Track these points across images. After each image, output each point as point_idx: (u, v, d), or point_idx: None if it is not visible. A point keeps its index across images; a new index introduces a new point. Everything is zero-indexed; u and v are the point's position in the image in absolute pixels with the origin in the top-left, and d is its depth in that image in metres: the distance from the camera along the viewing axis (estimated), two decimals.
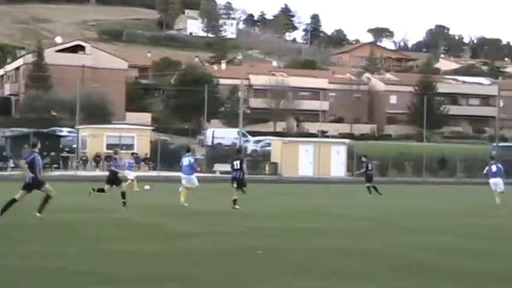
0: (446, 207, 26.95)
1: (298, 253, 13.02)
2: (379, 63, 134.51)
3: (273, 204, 25.84)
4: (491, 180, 28.95)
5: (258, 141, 62.42)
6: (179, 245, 13.72)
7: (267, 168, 51.88)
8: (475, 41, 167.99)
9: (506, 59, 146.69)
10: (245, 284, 9.91)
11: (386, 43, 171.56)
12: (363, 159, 34.30)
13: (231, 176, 23.24)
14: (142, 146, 52.51)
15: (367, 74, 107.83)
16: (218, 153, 54.46)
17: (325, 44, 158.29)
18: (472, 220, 21.12)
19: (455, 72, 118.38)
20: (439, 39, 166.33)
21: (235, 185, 22.47)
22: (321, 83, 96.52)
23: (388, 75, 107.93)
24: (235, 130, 62.96)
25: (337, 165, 51.33)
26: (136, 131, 54.79)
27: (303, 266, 11.51)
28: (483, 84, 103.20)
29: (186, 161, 23.67)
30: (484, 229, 18.54)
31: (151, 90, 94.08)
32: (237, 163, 22.71)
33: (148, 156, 52.31)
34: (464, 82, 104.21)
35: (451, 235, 16.84)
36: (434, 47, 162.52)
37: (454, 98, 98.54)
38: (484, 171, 30.04)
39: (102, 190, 24.27)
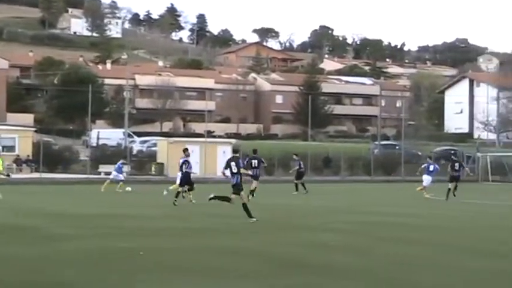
0: (331, 205, 27.38)
1: (181, 252, 12.86)
2: (265, 63, 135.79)
3: (158, 205, 25.52)
4: (425, 177, 32.74)
5: (144, 142, 61.70)
6: (56, 247, 13.32)
7: (153, 168, 51.39)
8: (358, 42, 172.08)
9: (387, 59, 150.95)
10: (120, 284, 9.71)
11: (272, 43, 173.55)
12: (295, 157, 35.46)
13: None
14: (24, 147, 51.01)
15: (253, 74, 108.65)
16: (103, 154, 53.48)
17: (211, 44, 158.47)
18: (352, 217, 21.52)
19: (339, 72, 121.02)
20: (324, 40, 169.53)
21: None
22: (207, 83, 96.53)
23: (273, 75, 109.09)
24: (121, 131, 62.02)
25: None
26: (17, 132, 53.12)
27: (186, 265, 11.36)
28: (366, 84, 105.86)
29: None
30: (364, 225, 18.90)
31: (33, 91, 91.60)
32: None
33: (31, 158, 50.86)
34: (347, 82, 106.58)
35: (333, 232, 17.06)
36: (318, 47, 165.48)
37: (338, 98, 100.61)
38: (420, 169, 33.86)
39: None
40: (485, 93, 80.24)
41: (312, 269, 11.37)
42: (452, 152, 61.99)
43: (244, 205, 19.10)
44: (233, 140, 57.50)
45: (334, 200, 31.15)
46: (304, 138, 73.25)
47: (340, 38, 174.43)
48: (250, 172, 25.72)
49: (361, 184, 48.31)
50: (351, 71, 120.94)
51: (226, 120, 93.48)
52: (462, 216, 23.25)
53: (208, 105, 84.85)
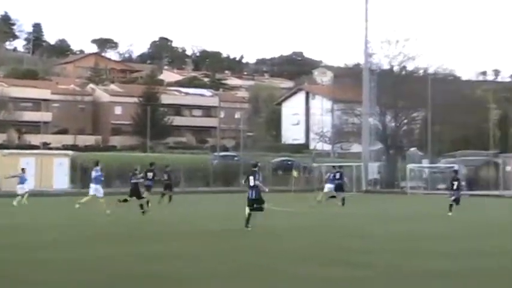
0: (163, 216, 27.27)
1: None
2: (104, 74, 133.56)
3: None
4: (328, 185, 36.84)
5: None
6: None
7: None
8: (197, 54, 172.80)
9: (226, 71, 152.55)
10: None
11: (111, 54, 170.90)
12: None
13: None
14: None
15: (91, 85, 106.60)
16: None
17: (48, 53, 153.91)
18: (184, 227, 21.52)
19: (179, 83, 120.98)
20: (163, 51, 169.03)
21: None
22: (43, 93, 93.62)
23: (112, 86, 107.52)
24: None
25: (61, 177, 50.15)
26: None
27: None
28: (205, 96, 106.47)
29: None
30: (197, 235, 18.94)
31: None
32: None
33: None
34: (187, 93, 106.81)
35: (167, 243, 16.98)
36: (158, 58, 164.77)
37: (177, 109, 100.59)
38: (326, 177, 38.14)
39: None
40: (320, 105, 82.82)
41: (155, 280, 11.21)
42: (337, 167, 63.59)
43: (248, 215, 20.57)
44: (70, 152, 56.15)
45: (171, 210, 31.03)
46: (143, 150, 72.68)
47: (180, 50, 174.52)
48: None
49: (200, 195, 48.48)
50: (191, 83, 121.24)
51: (63, 131, 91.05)
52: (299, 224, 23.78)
53: (44, 116, 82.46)
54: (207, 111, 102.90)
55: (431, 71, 70.33)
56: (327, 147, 79.47)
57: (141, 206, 27.59)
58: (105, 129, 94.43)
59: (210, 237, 19.04)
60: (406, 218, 28.04)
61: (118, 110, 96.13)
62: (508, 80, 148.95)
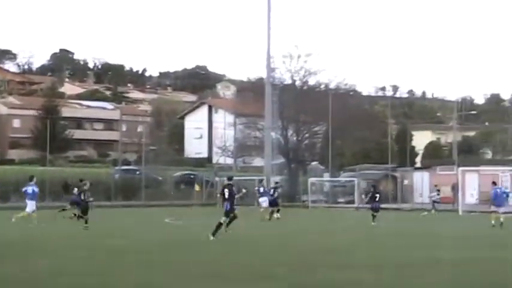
0: (60, 231, 26.71)
1: None
2: (2, 86, 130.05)
3: None
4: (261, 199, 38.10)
5: None
6: None
7: None
8: (99, 67, 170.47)
9: (129, 84, 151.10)
10: None
11: (10, 66, 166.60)
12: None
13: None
14: None
15: None
16: None
17: None
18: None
19: (80, 96, 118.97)
20: (64, 63, 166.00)
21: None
22: None
23: (11, 99, 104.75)
24: None
25: None
26: None
27: None
28: (107, 109, 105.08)
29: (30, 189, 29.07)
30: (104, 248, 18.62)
31: None
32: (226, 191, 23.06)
33: None
34: (88, 107, 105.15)
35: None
36: (59, 70, 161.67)
37: (79, 122, 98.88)
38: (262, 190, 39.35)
39: None
40: (223, 119, 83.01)
41: None
42: (192, 176, 63.43)
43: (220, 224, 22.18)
44: None
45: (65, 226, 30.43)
46: (42, 163, 70.97)
47: (81, 62, 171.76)
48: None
49: (101, 209, 47.60)
50: (92, 96, 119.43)
51: None
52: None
53: None
54: (109, 124, 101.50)
55: (332, 86, 71.58)
56: (230, 161, 79.64)
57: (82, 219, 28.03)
58: (3, 142, 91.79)
59: (122, 253, 18.72)
60: (307, 231, 28.30)
61: (16, 123, 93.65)
62: (406, 95, 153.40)
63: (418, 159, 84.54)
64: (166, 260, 16.60)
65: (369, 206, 35.66)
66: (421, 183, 59.48)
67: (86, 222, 27.56)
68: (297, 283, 12.96)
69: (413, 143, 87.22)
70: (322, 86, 72.43)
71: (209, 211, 45.51)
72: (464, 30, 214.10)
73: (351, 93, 79.11)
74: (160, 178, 63.37)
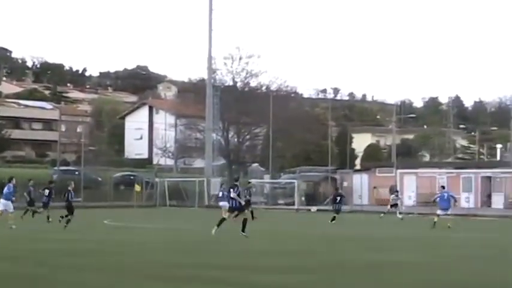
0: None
1: None
2: None
3: None
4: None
5: None
6: None
7: None
8: (38, 66, 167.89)
9: (68, 84, 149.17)
10: None
11: None
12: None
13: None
14: None
15: None
16: None
17: None
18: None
19: (18, 96, 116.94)
20: (1, 62, 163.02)
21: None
22: None
23: None
24: None
25: None
26: None
27: None
28: (46, 109, 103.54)
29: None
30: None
31: None
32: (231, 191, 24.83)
33: None
34: (27, 106, 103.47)
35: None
36: None
37: (16, 122, 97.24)
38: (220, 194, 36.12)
39: None
40: (164, 120, 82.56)
41: None
42: (132, 177, 62.90)
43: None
44: None
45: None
46: None
47: (20, 61, 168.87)
48: None
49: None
50: (31, 95, 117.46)
51: None
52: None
53: None
54: (48, 124, 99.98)
55: (273, 88, 71.90)
56: (170, 162, 79.28)
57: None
58: None
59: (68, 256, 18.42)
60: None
61: None
62: (347, 98, 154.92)
63: (357, 162, 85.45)
64: (102, 262, 16.40)
65: (330, 207, 37.01)
66: (360, 185, 60.13)
67: (68, 222, 28.13)
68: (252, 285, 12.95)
69: (353, 146, 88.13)
70: (264, 88, 72.72)
71: (149, 212, 45.26)
72: (402, 34, 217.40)
73: (292, 95, 79.60)
74: (99, 179, 62.70)
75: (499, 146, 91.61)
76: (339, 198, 35.86)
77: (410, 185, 55.59)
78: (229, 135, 69.99)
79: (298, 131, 69.15)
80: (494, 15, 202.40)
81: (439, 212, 31.85)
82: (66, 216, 28.66)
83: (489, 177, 54.88)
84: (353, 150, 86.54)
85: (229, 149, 69.54)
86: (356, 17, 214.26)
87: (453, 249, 21.63)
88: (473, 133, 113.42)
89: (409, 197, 54.76)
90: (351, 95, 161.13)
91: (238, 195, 24.73)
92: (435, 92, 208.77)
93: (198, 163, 72.15)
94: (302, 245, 22.70)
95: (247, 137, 72.03)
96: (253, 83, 72.68)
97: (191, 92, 75.74)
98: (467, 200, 54.47)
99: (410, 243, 23.86)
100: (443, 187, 34.24)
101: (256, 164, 70.72)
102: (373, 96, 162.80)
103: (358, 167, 76.55)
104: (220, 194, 36.23)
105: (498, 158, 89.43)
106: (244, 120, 70.28)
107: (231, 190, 24.80)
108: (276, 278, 13.93)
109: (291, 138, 69.42)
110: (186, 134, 73.65)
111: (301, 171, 62.48)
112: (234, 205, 24.71)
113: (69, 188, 29.68)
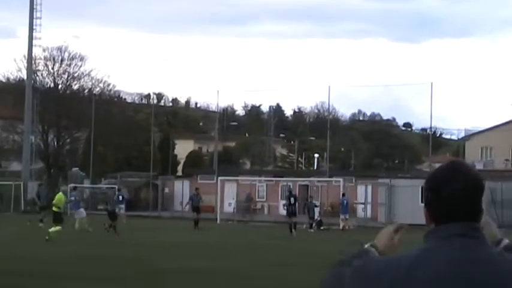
0: None
1: None
2: None
3: None
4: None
5: None
6: None
7: None
8: None
9: None
10: None
11: None
12: None
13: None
14: None
15: None
16: None
17: None
18: None
19: None
20: None
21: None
22: None
23: None
24: None
25: None
26: None
27: None
28: None
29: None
30: None
31: None
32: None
33: None
34: None
35: None
36: None
37: None
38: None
39: None
40: None
41: None
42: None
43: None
44: None
45: None
46: None
47: None
48: None
49: None
50: None
51: None
52: None
53: None
54: None
55: (96, 91, 70.78)
56: None
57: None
58: None
59: None
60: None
61: None
62: (170, 104, 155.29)
63: (180, 168, 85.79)
64: None
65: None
66: (181, 191, 60.36)
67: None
68: None
69: (176, 152, 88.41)
70: (86, 91, 71.45)
71: None
72: (225, 40, 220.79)
73: (115, 99, 78.75)
74: None
75: (316, 155, 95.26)
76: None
77: (230, 192, 56.47)
78: (49, 138, 68.13)
79: (121, 135, 68.51)
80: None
81: (342, 216, 39.35)
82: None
83: (306, 186, 56.82)
84: (175, 156, 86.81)
85: (48, 152, 67.69)
86: (179, 21, 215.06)
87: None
88: (292, 142, 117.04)
89: (229, 204, 55.59)
90: (175, 101, 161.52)
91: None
92: (258, 100, 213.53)
93: (15, 166, 69.64)
94: (117, 251, 22.49)
95: (68, 140, 70.46)
96: (75, 85, 71.28)
97: (9, 93, 72.98)
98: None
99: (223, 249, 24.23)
100: (343, 194, 41.32)
101: (76, 168, 69.23)
102: (196, 103, 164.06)
103: (180, 173, 76.85)
104: (72, 198, 34.98)
105: (315, 167, 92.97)
106: (65, 124, 68.71)
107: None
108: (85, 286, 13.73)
109: (113, 142, 68.63)
110: (2, 136, 70.92)
111: (122, 176, 61.85)
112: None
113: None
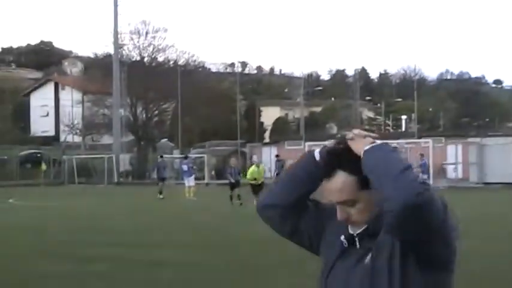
0: None
1: None
2: None
3: None
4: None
5: None
6: None
7: None
8: None
9: None
10: None
11: None
12: None
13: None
14: None
15: None
16: None
17: None
18: None
19: None
20: None
21: None
22: None
23: None
24: None
25: None
26: None
27: None
28: None
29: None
30: None
31: None
32: None
33: None
34: None
35: None
36: None
37: None
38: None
39: None
40: (71, 97, 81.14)
41: None
42: (39, 155, 61.63)
43: None
44: None
45: None
46: None
47: None
48: None
49: None
50: None
51: None
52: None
53: None
54: None
55: (181, 62, 71.56)
56: (78, 139, 78.11)
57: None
58: None
59: None
60: (155, 210, 28.21)
61: None
62: (255, 72, 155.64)
63: (266, 135, 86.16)
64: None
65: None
66: (269, 158, 60.64)
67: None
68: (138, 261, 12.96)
69: (262, 119, 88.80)
70: (171, 63, 72.31)
71: (56, 190, 44.57)
72: (307, 5, 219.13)
73: (200, 69, 79.41)
74: (5, 157, 61.26)
75: (403, 117, 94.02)
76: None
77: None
78: (137, 111, 69.38)
79: (207, 105, 69.14)
80: None
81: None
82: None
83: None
84: (262, 123, 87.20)
85: (137, 124, 68.96)
86: None
87: None
88: (378, 105, 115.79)
89: None
90: (259, 68, 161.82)
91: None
92: (342, 65, 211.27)
93: (106, 139, 71.34)
94: (213, 219, 22.83)
95: (155, 112, 71.58)
96: (160, 57, 72.20)
97: (97, 68, 74.54)
98: None
99: None
100: (422, 155, 39.74)
101: (165, 140, 70.42)
102: (280, 70, 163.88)
103: (267, 140, 77.18)
104: (185, 167, 34.97)
105: (403, 128, 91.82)
106: (152, 96, 69.77)
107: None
108: (180, 254, 13.98)
109: (199, 113, 69.36)
110: (93, 110, 72.61)
111: (210, 145, 62.55)
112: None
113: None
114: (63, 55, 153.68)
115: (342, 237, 2.63)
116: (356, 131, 2.57)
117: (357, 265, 2.54)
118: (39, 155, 61.64)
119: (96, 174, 57.97)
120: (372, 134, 2.58)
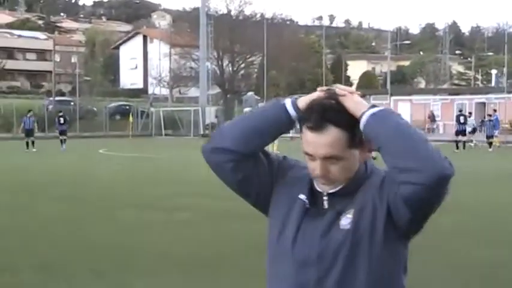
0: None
1: None
2: None
3: None
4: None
5: None
6: None
7: None
8: None
9: (61, 13, 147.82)
10: None
11: None
12: None
13: None
14: None
15: None
16: None
17: None
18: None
19: (11, 26, 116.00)
20: None
21: None
22: None
23: None
24: None
25: None
26: None
27: None
28: (39, 39, 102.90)
29: None
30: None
31: None
32: None
33: None
34: (20, 36, 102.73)
35: None
36: None
37: (10, 52, 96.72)
38: None
39: None
40: (158, 50, 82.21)
41: None
42: (127, 107, 62.95)
43: None
44: None
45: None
46: None
47: None
48: None
49: (37, 141, 47.09)
50: (24, 25, 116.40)
51: None
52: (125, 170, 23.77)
53: None
54: (42, 54, 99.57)
55: (268, 15, 71.43)
56: (165, 91, 79.27)
57: None
58: None
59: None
60: None
61: None
62: (343, 25, 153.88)
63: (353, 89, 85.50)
64: (88, 191, 16.69)
65: None
66: None
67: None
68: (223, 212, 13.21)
69: (349, 73, 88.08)
70: (258, 16, 72.24)
71: (143, 142, 45.51)
72: None
73: (287, 23, 79.09)
74: (95, 109, 62.82)
75: (494, 71, 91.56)
76: None
77: (404, 112, 55.70)
78: (224, 64, 69.79)
79: (293, 59, 68.96)
80: None
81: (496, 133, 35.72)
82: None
83: (483, 103, 54.98)
84: (348, 77, 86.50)
85: (223, 77, 69.43)
86: None
87: None
88: (469, 59, 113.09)
89: None
90: (347, 22, 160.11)
91: None
92: (432, 18, 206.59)
93: (193, 92, 72.14)
94: None
95: (242, 65, 71.85)
96: (247, 11, 72.21)
97: (185, 21, 75.13)
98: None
99: None
100: (495, 110, 38.61)
101: (251, 93, 70.65)
102: (369, 24, 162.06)
103: None
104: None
105: (493, 83, 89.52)
106: (238, 49, 69.98)
107: None
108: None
109: (285, 66, 69.28)
110: (180, 63, 73.40)
111: None
112: None
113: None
114: (152, 8, 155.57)
115: (302, 196, 2.47)
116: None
117: (332, 228, 2.38)
118: (127, 107, 62.89)
119: (182, 127, 58.82)
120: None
